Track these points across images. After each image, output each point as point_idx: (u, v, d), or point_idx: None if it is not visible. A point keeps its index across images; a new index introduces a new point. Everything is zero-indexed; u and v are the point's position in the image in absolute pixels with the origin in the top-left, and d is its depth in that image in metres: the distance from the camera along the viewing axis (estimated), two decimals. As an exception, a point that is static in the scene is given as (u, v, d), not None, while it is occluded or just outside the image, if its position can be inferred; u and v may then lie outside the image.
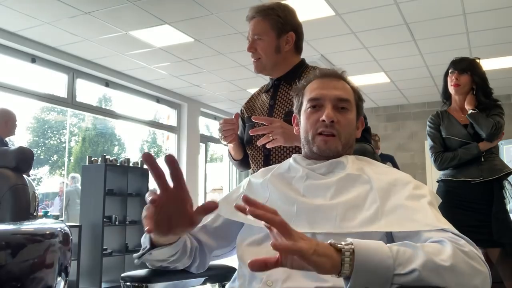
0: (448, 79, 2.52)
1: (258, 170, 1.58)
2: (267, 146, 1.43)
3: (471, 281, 0.78)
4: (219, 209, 1.14)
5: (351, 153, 1.16)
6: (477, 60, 2.54)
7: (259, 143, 1.43)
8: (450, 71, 2.51)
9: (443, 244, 0.81)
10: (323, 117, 1.09)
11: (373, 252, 0.75)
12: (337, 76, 1.17)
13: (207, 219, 1.14)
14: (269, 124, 1.41)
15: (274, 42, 1.62)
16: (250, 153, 1.70)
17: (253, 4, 4.20)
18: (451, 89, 2.51)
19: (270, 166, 1.22)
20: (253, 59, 1.66)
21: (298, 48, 1.68)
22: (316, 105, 1.13)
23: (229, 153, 1.81)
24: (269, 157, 1.61)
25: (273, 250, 0.98)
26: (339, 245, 0.74)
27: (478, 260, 0.80)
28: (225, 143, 1.66)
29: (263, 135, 1.43)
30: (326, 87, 1.13)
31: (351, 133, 1.14)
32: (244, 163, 1.79)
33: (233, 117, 1.61)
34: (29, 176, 4.03)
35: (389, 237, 0.95)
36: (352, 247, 0.74)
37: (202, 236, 1.12)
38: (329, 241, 0.76)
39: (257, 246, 1.02)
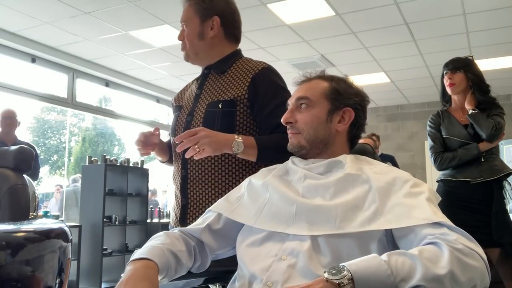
0: (444, 81, 2.53)
1: (178, 162, 1.54)
2: (195, 157, 1.32)
3: (470, 281, 0.79)
4: (220, 208, 1.15)
5: (343, 150, 1.16)
6: (470, 58, 2.55)
7: (187, 155, 1.30)
8: (444, 72, 2.52)
9: (440, 247, 0.82)
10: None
11: (373, 277, 0.76)
12: (309, 78, 1.20)
13: (209, 219, 1.14)
14: (194, 135, 1.29)
15: (198, 27, 1.53)
16: (173, 144, 1.58)
17: (251, 4, 4.17)
18: (448, 90, 2.51)
19: (271, 166, 1.22)
20: (181, 48, 1.58)
21: (230, 36, 1.57)
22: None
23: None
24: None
25: (272, 252, 0.98)
26: (336, 281, 0.75)
27: (473, 255, 0.81)
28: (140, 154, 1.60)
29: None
30: (294, 92, 1.20)
31: (316, 127, 1.13)
32: (171, 160, 1.69)
33: (153, 130, 1.55)
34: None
35: (389, 235, 0.95)
36: (351, 277, 0.75)
37: (205, 236, 1.12)
38: (325, 276, 0.77)
39: (257, 247, 1.02)
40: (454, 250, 0.80)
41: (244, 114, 1.47)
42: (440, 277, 0.76)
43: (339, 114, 1.14)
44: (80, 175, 5.77)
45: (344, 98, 1.14)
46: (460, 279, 0.78)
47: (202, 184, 1.47)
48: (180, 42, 1.60)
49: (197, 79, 1.66)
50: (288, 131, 1.17)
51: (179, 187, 1.53)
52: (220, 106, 1.47)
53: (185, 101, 1.62)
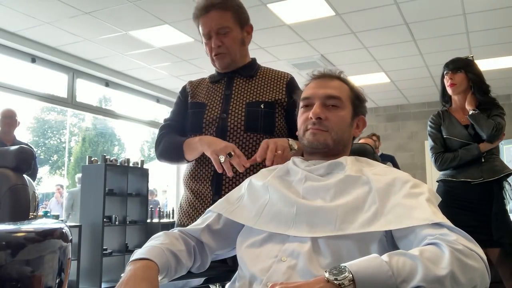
0: (445, 81, 2.53)
1: (206, 159, 1.49)
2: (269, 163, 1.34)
3: (470, 281, 0.79)
4: (220, 208, 1.15)
5: (347, 153, 1.17)
6: (470, 58, 2.55)
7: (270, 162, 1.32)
8: (444, 73, 2.52)
9: (440, 248, 0.82)
10: (310, 114, 1.12)
11: (374, 278, 0.76)
12: (331, 75, 1.18)
13: (209, 219, 1.15)
14: (266, 148, 1.33)
15: (239, 34, 1.56)
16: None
17: (251, 4, 4.16)
18: (449, 90, 2.51)
19: (272, 167, 1.22)
20: (214, 54, 1.55)
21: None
22: (308, 104, 1.16)
23: (178, 151, 1.52)
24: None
25: (273, 252, 0.98)
26: (337, 282, 0.75)
27: (473, 255, 0.81)
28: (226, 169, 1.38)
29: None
30: (318, 86, 1.16)
31: (343, 130, 1.13)
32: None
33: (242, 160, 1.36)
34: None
35: (389, 236, 0.95)
36: (352, 279, 0.75)
37: (205, 237, 1.12)
38: (326, 276, 0.76)
39: (257, 248, 1.02)
40: (454, 250, 0.80)
41: (281, 116, 1.55)
42: (440, 278, 0.76)
43: (356, 121, 1.18)
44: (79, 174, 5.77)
45: (362, 105, 1.18)
46: (461, 280, 0.77)
47: (240, 181, 1.46)
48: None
49: (214, 81, 1.64)
50: (313, 126, 1.12)
51: (209, 184, 1.51)
52: (262, 106, 1.53)
53: (208, 99, 1.60)
